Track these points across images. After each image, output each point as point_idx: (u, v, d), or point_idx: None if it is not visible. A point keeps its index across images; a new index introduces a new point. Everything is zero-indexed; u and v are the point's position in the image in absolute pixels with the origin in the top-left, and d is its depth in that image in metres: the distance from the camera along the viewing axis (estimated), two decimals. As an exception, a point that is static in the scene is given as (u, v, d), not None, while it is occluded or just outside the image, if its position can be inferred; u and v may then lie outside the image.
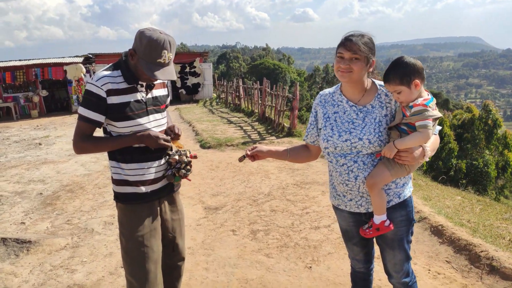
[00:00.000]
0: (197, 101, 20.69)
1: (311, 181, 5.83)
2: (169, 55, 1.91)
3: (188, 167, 2.17)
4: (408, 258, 2.09)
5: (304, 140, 2.22)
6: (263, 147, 2.15)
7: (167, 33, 1.89)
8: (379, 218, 1.96)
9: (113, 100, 1.92)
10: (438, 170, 15.70)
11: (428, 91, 1.92)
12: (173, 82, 21.09)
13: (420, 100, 1.82)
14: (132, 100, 1.98)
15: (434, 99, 1.88)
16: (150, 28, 1.89)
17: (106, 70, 1.97)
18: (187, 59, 21.37)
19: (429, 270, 3.21)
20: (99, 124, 1.98)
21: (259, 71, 46.44)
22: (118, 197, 2.09)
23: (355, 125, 1.94)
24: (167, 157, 2.14)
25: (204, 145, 8.92)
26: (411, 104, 1.83)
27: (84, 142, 1.98)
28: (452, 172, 16.53)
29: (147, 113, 2.05)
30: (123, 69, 1.97)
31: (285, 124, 10.18)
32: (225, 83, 19.55)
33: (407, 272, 2.12)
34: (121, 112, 1.94)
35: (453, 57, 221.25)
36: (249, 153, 2.11)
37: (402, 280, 2.11)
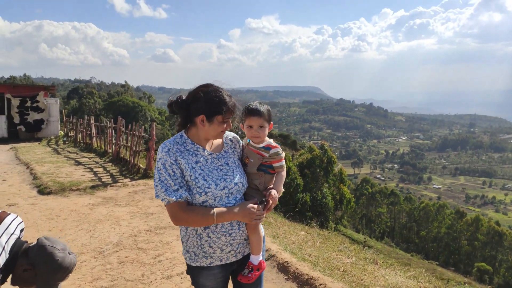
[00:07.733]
0: (39, 139, 18.27)
1: (165, 225, 5.59)
2: None
3: None
4: None
5: (178, 198, 1.79)
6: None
7: None
8: (257, 258, 1.97)
9: None
10: (287, 205, 17.13)
11: None
12: (9, 118, 18.40)
13: (273, 143, 1.99)
14: None
15: None
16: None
17: None
18: (28, 92, 19.00)
19: (277, 308, 3.33)
20: None
21: (117, 108, 44.17)
22: None
23: (224, 171, 1.91)
24: None
25: (42, 191, 7.76)
26: (262, 145, 1.97)
27: None
28: (300, 206, 18.30)
29: None
30: None
31: (141, 165, 9.73)
32: (74, 120, 17.88)
33: None
34: None
35: (299, 103, 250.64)
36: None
37: None
